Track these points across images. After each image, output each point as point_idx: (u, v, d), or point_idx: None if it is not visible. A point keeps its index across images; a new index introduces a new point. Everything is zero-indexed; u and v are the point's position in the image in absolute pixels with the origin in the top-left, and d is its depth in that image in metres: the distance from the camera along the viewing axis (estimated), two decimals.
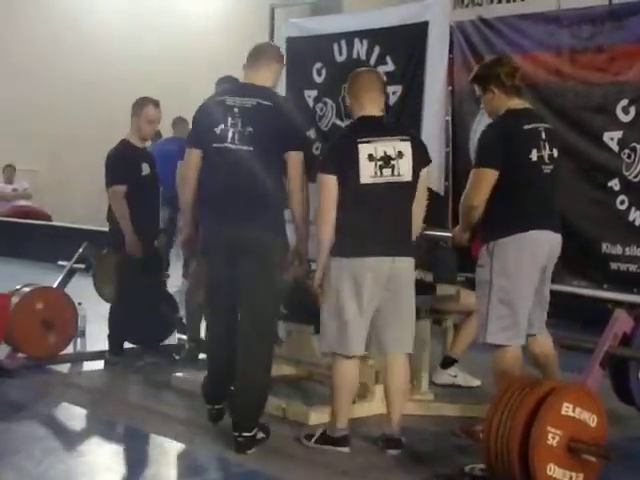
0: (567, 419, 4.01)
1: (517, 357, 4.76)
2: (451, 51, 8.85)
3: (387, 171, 4.87)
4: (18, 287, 6.99)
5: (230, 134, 4.97)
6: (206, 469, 4.94)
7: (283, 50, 10.40)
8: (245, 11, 16.33)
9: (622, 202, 7.54)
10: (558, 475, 4.00)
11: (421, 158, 5.00)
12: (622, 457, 4.23)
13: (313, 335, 5.88)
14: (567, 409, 4.02)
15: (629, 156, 7.48)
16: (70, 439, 5.47)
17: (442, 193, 8.74)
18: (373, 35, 9.49)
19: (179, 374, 6.34)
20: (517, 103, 4.97)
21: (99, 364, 6.87)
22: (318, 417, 5.42)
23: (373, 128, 4.98)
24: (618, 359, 4.37)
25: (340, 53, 9.81)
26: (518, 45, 8.31)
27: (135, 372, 6.57)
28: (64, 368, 6.86)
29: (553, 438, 3.97)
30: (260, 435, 4.99)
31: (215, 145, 5.01)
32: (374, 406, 5.66)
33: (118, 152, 6.84)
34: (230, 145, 4.97)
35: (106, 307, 7.07)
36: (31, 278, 7.42)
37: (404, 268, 4.94)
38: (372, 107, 5.04)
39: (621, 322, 4.35)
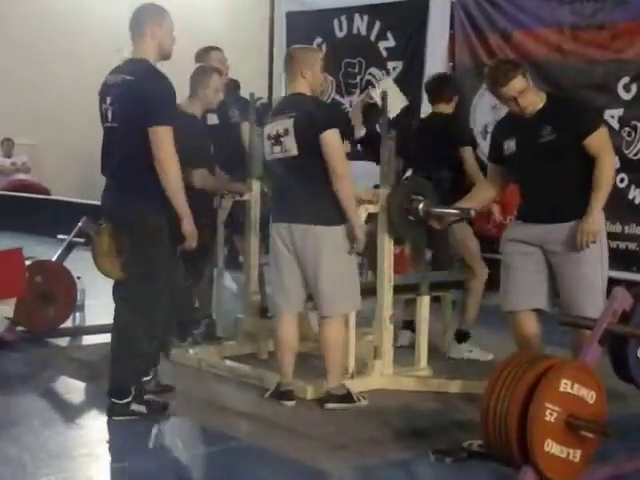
0: (565, 396, 4.02)
1: None
2: (452, 27, 8.85)
3: (277, 148, 5.34)
4: None
5: (109, 113, 5.12)
6: (203, 443, 4.96)
7: (283, 24, 10.49)
8: None
9: (622, 180, 7.56)
10: (556, 451, 4.00)
11: (308, 130, 5.21)
12: (620, 434, 4.24)
13: (310, 311, 5.92)
14: (565, 385, 4.02)
15: (629, 134, 7.50)
16: (69, 412, 5.50)
17: None
18: (374, 10, 9.50)
19: (180, 349, 6.35)
20: None
21: (98, 338, 6.87)
22: (316, 392, 5.45)
23: (277, 108, 5.51)
24: (617, 337, 4.37)
25: (340, 28, 9.82)
26: (519, 21, 8.31)
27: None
28: (63, 342, 6.88)
29: (551, 414, 3.97)
30: (138, 408, 5.09)
31: (103, 125, 5.21)
32: (372, 381, 5.69)
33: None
34: (108, 124, 5.15)
35: (105, 281, 7.05)
36: (30, 252, 7.42)
37: (304, 235, 5.28)
38: (290, 86, 5.45)
39: (620, 300, 4.34)
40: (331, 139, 5.20)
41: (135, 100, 4.96)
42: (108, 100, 5.11)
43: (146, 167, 4.94)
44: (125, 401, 5.06)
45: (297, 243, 5.31)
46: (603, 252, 5.00)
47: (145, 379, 5.32)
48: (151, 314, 5.12)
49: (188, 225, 5.06)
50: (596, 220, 4.89)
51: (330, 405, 5.30)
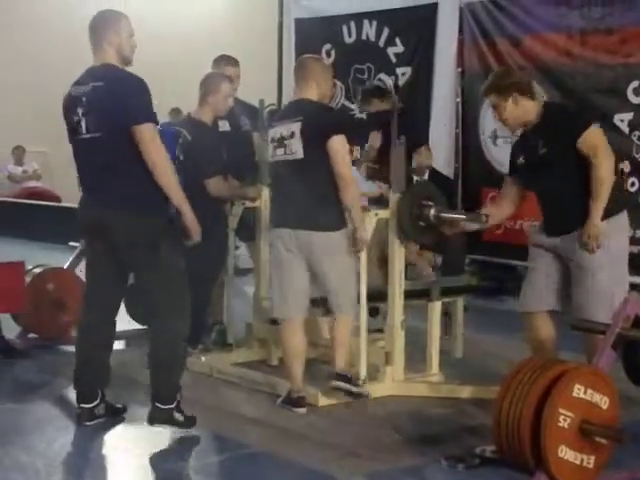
0: (579, 401, 4.01)
1: None
2: (461, 32, 8.85)
3: (280, 150, 5.36)
4: (29, 268, 7.01)
5: (83, 124, 4.95)
6: (215, 450, 4.96)
7: (291, 31, 10.49)
8: None
9: (632, 184, 7.54)
10: (569, 457, 3.99)
11: (315, 134, 5.24)
12: (634, 439, 4.23)
13: (320, 317, 5.91)
14: (579, 391, 4.01)
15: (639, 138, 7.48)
16: None
17: (452, 175, 8.76)
18: (382, 16, 9.51)
19: (191, 356, 6.35)
20: None
21: None
22: (327, 399, 5.45)
23: (283, 112, 5.63)
24: (630, 341, 4.36)
25: (349, 34, 9.83)
26: (528, 26, 8.31)
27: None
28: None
29: (565, 420, 3.96)
30: (179, 417, 5.00)
31: (76, 138, 5.04)
32: (384, 387, 5.68)
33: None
34: (85, 135, 4.96)
35: None
36: (42, 259, 7.44)
37: (309, 241, 5.29)
38: (298, 92, 5.48)
39: (632, 304, 4.34)
40: (338, 145, 5.22)
41: (111, 104, 4.80)
42: (80, 111, 4.92)
43: (136, 172, 4.81)
44: (168, 407, 4.98)
45: (303, 248, 5.32)
46: (617, 255, 4.99)
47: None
48: (184, 318, 5.03)
49: (190, 220, 4.90)
50: (598, 224, 4.85)
51: (335, 383, 5.35)
